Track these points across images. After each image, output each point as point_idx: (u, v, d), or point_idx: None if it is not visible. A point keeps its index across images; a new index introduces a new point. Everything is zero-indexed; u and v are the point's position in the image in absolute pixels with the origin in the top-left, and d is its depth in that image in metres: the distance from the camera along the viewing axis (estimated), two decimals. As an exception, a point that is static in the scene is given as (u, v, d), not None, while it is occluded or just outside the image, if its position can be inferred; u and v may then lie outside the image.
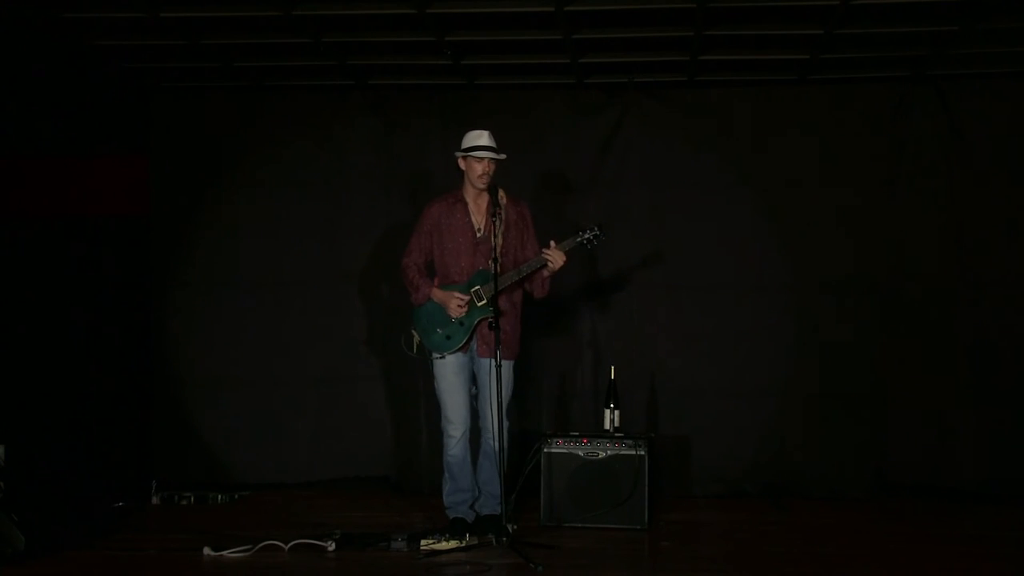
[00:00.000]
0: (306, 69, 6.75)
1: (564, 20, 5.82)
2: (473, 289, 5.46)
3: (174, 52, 6.46)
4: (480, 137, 5.48)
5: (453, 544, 5.22)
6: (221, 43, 6.29)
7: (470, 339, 5.51)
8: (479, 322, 5.46)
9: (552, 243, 5.41)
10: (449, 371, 5.53)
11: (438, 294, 5.53)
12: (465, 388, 5.56)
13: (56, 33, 6.14)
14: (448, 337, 5.50)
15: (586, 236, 5.48)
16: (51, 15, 5.87)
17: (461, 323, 5.48)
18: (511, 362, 5.57)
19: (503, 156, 5.49)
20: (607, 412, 6.12)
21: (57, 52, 6.49)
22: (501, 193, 5.55)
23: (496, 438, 5.32)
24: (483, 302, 5.42)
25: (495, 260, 5.34)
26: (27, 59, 6.56)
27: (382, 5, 5.75)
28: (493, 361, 5.25)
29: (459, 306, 5.45)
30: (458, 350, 5.51)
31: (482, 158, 5.44)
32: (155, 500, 6.52)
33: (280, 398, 6.93)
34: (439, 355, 5.52)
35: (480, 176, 5.46)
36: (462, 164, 5.53)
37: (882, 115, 6.74)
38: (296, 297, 6.96)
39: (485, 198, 5.52)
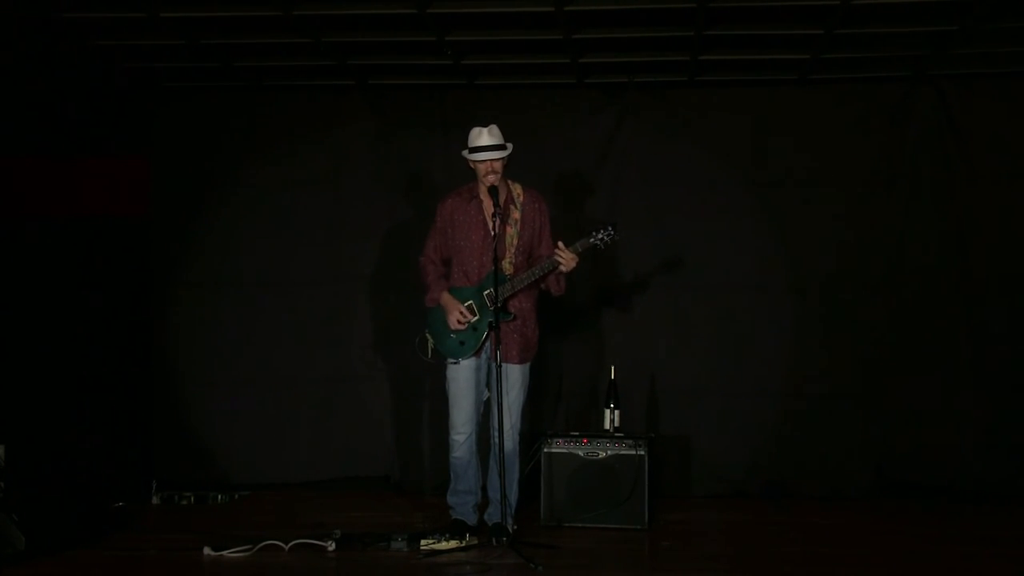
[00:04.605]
0: (306, 69, 6.75)
1: (564, 20, 5.82)
2: (485, 292, 5.38)
3: (174, 52, 6.46)
4: (480, 136, 5.36)
5: (453, 544, 5.22)
6: (221, 43, 6.29)
7: (483, 343, 5.46)
8: (491, 325, 5.35)
9: (560, 243, 5.33)
10: (461, 375, 5.49)
11: (445, 299, 5.48)
12: (475, 391, 5.51)
13: (56, 33, 6.13)
14: (461, 343, 5.46)
15: (600, 236, 5.37)
16: (51, 15, 5.87)
17: (474, 328, 5.43)
18: (526, 365, 5.54)
19: (507, 152, 5.37)
20: (607, 412, 6.12)
21: (57, 52, 6.48)
22: (518, 189, 5.51)
23: (500, 440, 5.30)
24: (494, 306, 5.31)
25: (495, 262, 5.31)
26: (27, 59, 6.56)
27: (382, 5, 5.74)
28: (494, 363, 5.23)
29: (459, 321, 5.40)
30: (472, 355, 5.47)
31: (482, 160, 5.36)
32: (155, 500, 6.52)
33: (280, 398, 6.93)
34: (454, 360, 5.49)
35: (486, 175, 5.37)
36: (470, 163, 5.44)
37: (882, 115, 6.74)
38: (296, 297, 6.96)
39: (500, 194, 5.40)
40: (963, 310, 6.66)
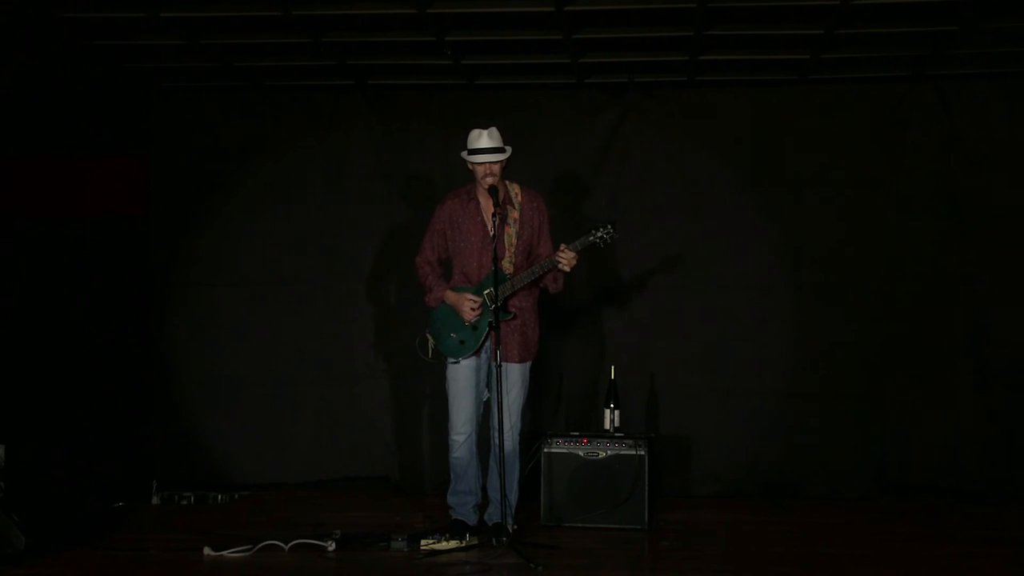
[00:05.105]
0: (306, 69, 6.75)
1: (564, 20, 5.82)
2: (486, 292, 5.37)
3: (174, 52, 6.47)
4: (479, 138, 5.36)
5: (453, 544, 5.22)
6: (221, 43, 6.29)
7: (483, 343, 5.46)
8: (491, 325, 5.33)
9: (563, 245, 5.32)
10: (461, 375, 5.48)
11: (451, 297, 5.47)
12: (475, 391, 5.50)
13: (56, 33, 6.13)
14: (462, 342, 5.46)
15: (599, 235, 5.34)
16: (51, 15, 5.87)
17: (474, 327, 5.43)
18: (527, 364, 5.54)
19: (505, 154, 5.38)
20: (607, 412, 6.12)
21: (57, 52, 6.48)
22: (516, 189, 5.52)
23: (500, 440, 5.30)
24: (495, 305, 5.30)
25: (495, 261, 5.31)
26: (27, 59, 6.56)
27: (382, 5, 5.74)
28: (494, 362, 5.23)
29: (472, 309, 5.39)
30: (472, 355, 5.47)
31: (481, 163, 5.35)
32: (155, 500, 6.53)
33: (280, 398, 6.93)
34: (454, 360, 5.49)
35: (483, 177, 5.37)
36: (469, 165, 5.44)
37: (882, 115, 6.74)
38: (296, 297, 6.96)
39: (498, 194, 5.39)
40: (963, 310, 6.66)
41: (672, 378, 6.77)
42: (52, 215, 7.15)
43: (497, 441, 5.36)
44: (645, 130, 6.87)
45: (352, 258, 6.96)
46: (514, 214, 5.45)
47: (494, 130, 5.40)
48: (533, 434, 6.18)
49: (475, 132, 5.40)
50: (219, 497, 6.58)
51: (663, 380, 6.77)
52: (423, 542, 5.22)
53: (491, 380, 5.39)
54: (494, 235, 5.34)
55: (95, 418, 6.96)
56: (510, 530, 5.24)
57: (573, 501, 5.82)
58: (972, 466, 6.59)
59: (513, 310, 5.45)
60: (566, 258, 5.31)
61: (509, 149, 5.40)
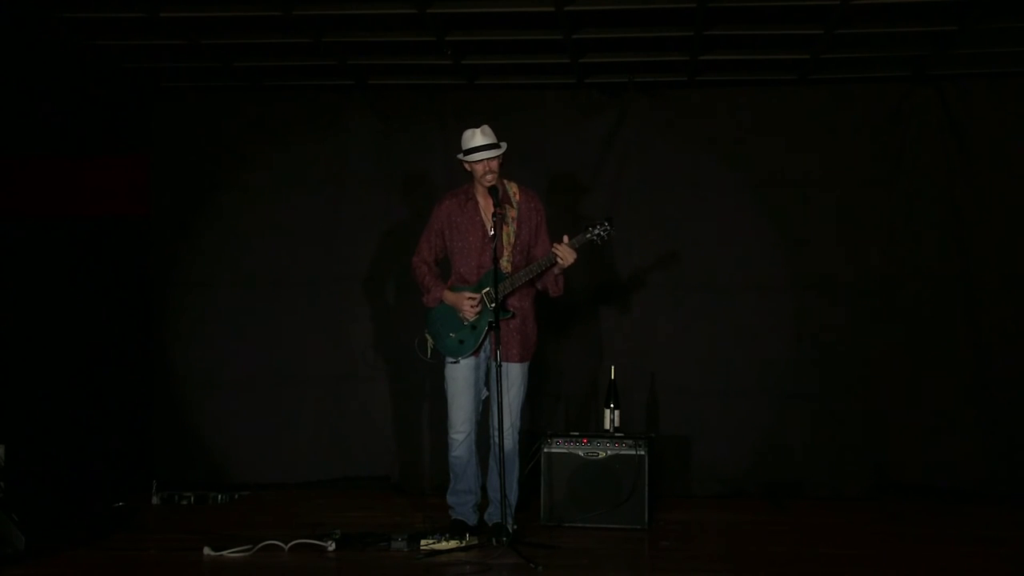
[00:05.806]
0: (306, 69, 6.76)
1: (564, 20, 5.82)
2: (484, 291, 5.37)
3: (174, 52, 6.47)
4: (474, 136, 5.33)
5: (453, 544, 5.22)
6: (221, 43, 6.29)
7: (482, 342, 5.45)
8: (490, 324, 5.33)
9: (565, 238, 5.32)
10: (460, 374, 5.48)
11: (449, 296, 5.45)
12: (474, 391, 5.50)
13: (56, 33, 6.14)
14: (461, 341, 5.45)
15: (596, 232, 5.33)
16: (51, 15, 5.87)
17: (473, 327, 5.42)
18: (525, 363, 5.53)
19: (502, 149, 5.34)
20: (607, 412, 6.12)
21: (57, 52, 6.49)
22: (514, 188, 5.51)
23: (499, 439, 5.30)
24: (494, 304, 5.30)
25: (495, 261, 5.30)
26: (27, 59, 6.56)
27: (382, 5, 5.75)
28: (494, 362, 5.23)
29: (472, 307, 5.39)
30: (471, 354, 5.46)
31: (480, 160, 5.34)
32: (155, 500, 6.52)
33: (280, 398, 6.93)
34: (453, 360, 5.49)
35: (484, 175, 5.35)
36: (467, 165, 5.44)
37: (882, 115, 6.74)
38: (296, 297, 6.96)
39: (498, 194, 5.37)
40: (963, 310, 6.66)
41: (672, 378, 6.77)
42: (52, 215, 7.15)
43: (497, 440, 5.36)
44: (645, 130, 6.87)
45: (352, 258, 6.96)
46: (512, 213, 5.45)
47: (487, 127, 5.38)
48: (533, 434, 6.18)
49: (468, 132, 5.37)
50: (219, 497, 6.57)
51: (663, 380, 6.77)
52: (423, 542, 5.22)
53: (490, 379, 5.38)
54: (493, 234, 5.34)
55: (95, 418, 6.96)
56: (510, 530, 5.24)
57: (573, 501, 5.82)
58: (972, 466, 6.58)
59: (512, 309, 5.44)
60: (563, 252, 5.29)
61: (504, 145, 5.39)
